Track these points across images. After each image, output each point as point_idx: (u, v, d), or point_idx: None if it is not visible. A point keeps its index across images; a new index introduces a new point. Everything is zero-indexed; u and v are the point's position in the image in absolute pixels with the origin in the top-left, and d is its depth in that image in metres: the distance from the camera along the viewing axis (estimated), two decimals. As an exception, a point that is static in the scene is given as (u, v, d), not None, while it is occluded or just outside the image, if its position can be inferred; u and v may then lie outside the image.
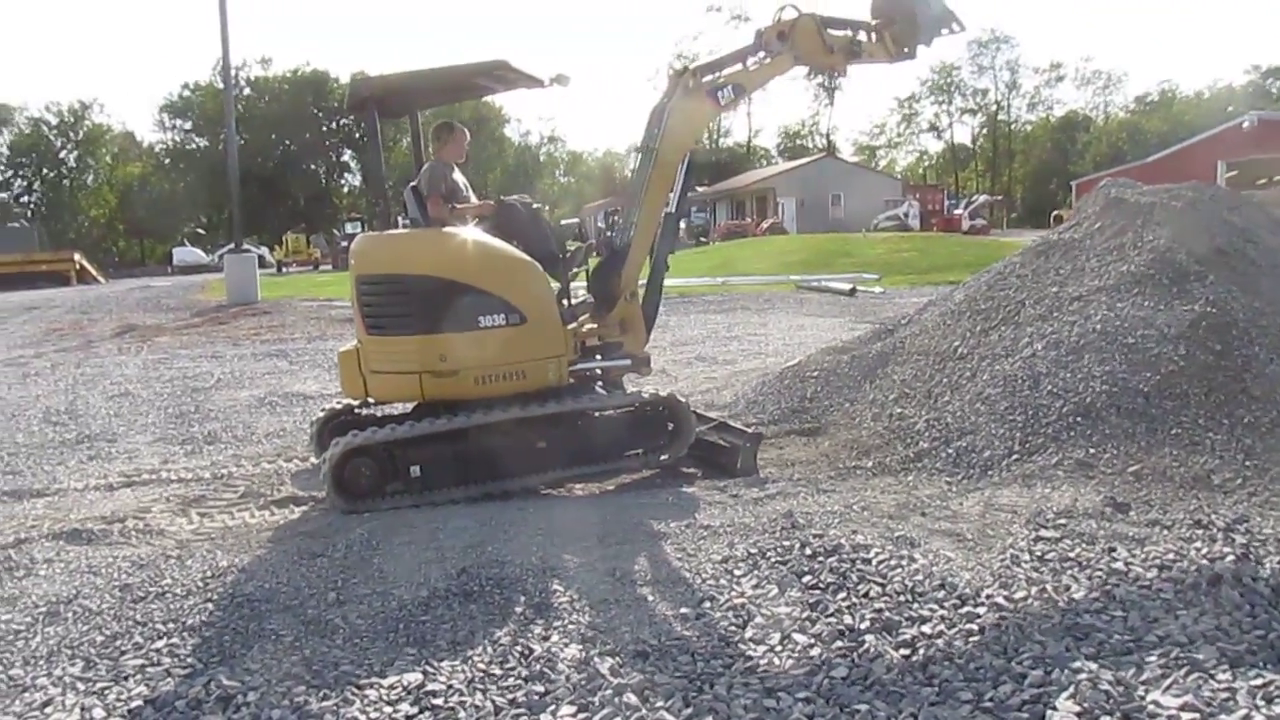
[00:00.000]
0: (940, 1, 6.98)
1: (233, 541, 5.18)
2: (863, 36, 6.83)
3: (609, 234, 6.83)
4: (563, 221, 7.35)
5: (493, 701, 3.20)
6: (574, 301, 6.50)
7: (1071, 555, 4.20)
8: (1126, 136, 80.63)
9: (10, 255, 41.19)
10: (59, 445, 7.96)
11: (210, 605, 4.14)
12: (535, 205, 6.65)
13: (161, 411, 9.37)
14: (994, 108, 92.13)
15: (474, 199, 6.64)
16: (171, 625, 3.93)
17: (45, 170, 77.90)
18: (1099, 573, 3.98)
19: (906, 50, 6.93)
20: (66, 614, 4.07)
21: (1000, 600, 3.74)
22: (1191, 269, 6.72)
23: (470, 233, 6.03)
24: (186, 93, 79.39)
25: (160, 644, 3.76)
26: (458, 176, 6.64)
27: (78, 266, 41.39)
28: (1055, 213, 40.67)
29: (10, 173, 77.48)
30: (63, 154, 78.84)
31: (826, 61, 6.77)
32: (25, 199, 78.71)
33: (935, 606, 3.76)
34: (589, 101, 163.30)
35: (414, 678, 3.36)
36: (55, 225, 69.94)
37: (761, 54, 6.57)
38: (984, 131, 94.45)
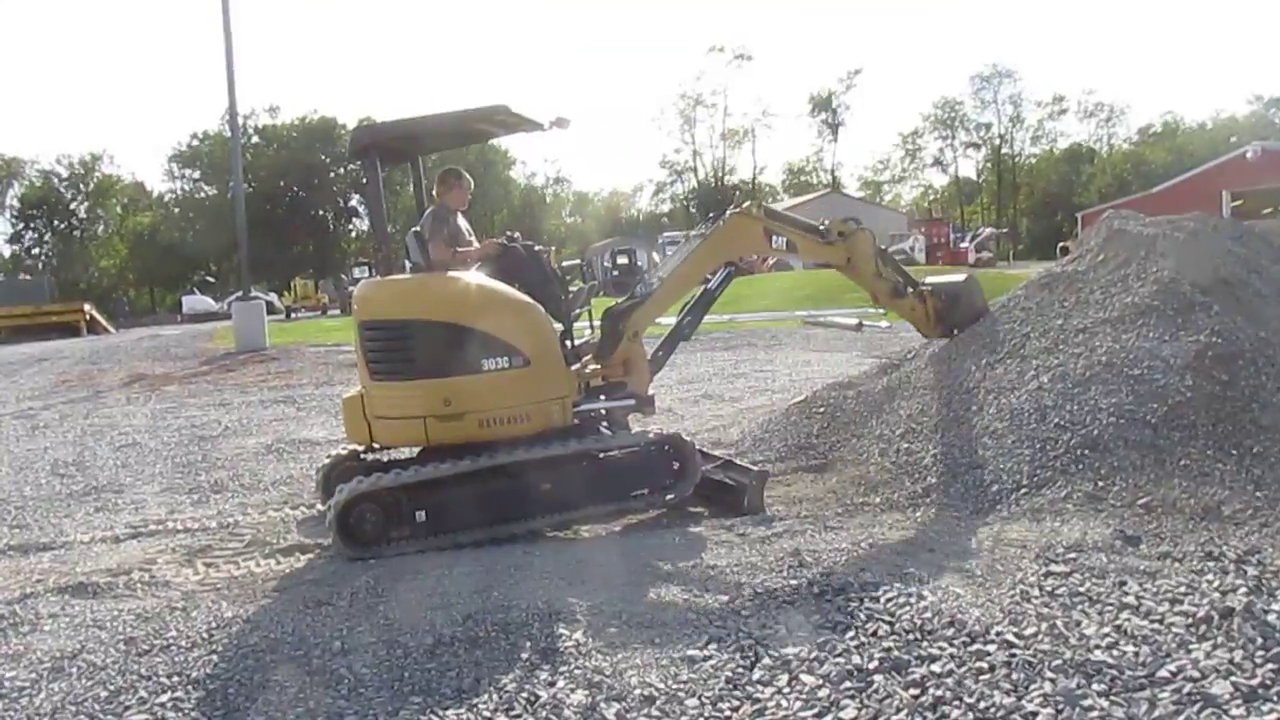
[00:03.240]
0: (984, 298, 7.89)
1: (238, 592, 5.16)
2: (909, 290, 7.53)
3: (614, 274, 6.98)
4: (564, 263, 7.42)
5: (497, 750, 3.16)
6: (577, 342, 6.52)
7: (1082, 590, 4.17)
8: (1131, 168, 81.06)
9: (22, 307, 41.45)
10: (66, 497, 7.96)
11: (215, 657, 4.11)
12: (537, 247, 6.69)
13: (169, 461, 9.38)
14: (998, 141, 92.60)
15: (476, 244, 6.68)
16: (176, 679, 3.91)
17: (56, 222, 78.78)
18: (1110, 607, 3.95)
19: (940, 328, 7.75)
20: (71, 669, 4.05)
21: (1010, 637, 3.71)
22: (1196, 299, 6.70)
23: (472, 276, 6.06)
24: (195, 142, 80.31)
25: (164, 698, 3.75)
26: (461, 222, 6.69)
27: (88, 317, 41.56)
28: (1061, 244, 40.75)
29: (22, 225, 78.33)
30: (73, 205, 79.78)
31: (872, 284, 7.39)
32: (37, 251, 79.53)
33: (945, 645, 3.73)
34: (594, 142, 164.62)
35: (418, 727, 3.32)
36: (66, 276, 70.52)
37: (821, 238, 7.14)
38: (988, 165, 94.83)
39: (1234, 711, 3.04)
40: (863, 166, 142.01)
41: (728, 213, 6.90)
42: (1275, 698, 3.11)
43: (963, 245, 57.83)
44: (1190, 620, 3.71)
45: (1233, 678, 3.23)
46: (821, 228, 7.15)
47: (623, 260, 46.67)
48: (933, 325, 7.78)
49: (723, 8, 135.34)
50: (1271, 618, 3.61)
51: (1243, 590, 3.91)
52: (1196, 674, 3.29)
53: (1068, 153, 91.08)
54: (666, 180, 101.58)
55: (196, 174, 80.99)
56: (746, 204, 7.00)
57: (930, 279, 7.95)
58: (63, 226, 79.00)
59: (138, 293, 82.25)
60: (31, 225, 78.90)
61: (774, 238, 6.88)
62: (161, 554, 6.05)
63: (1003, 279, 26.06)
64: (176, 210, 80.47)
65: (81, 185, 79.76)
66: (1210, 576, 4.18)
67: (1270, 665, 3.29)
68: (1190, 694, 3.16)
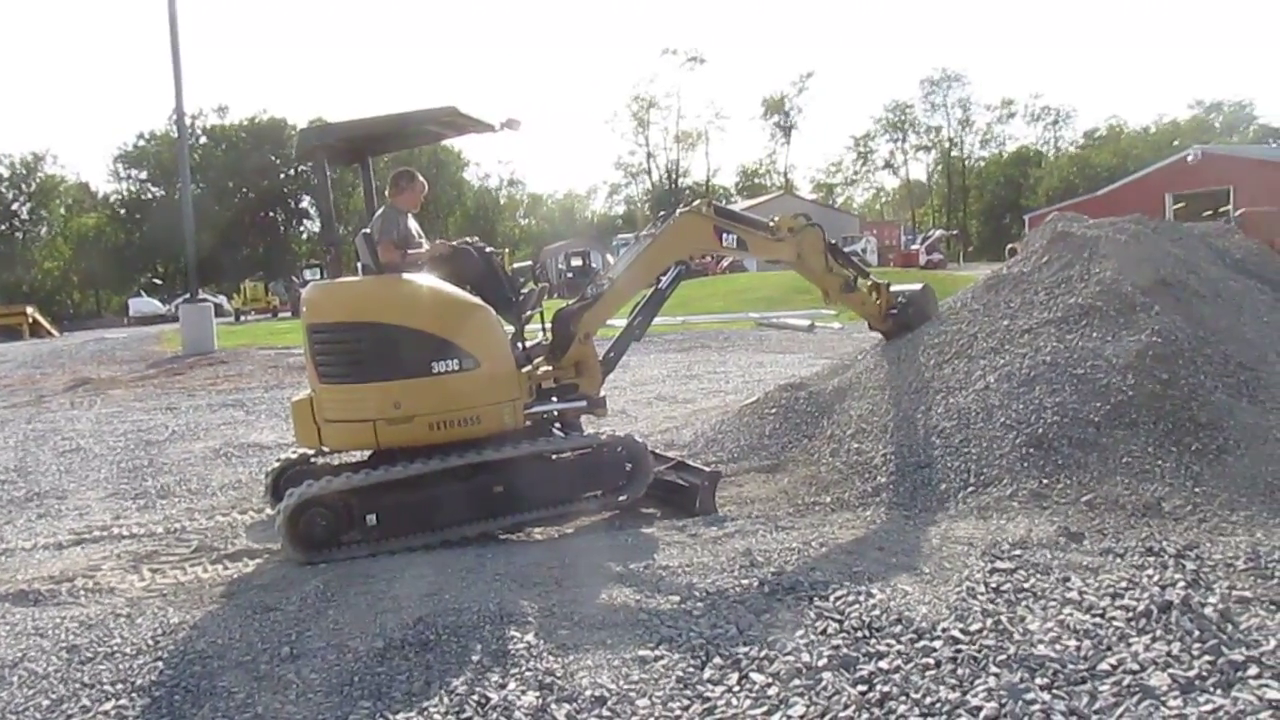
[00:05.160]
0: (937, 307, 8.00)
1: (185, 597, 5.09)
2: (861, 284, 7.63)
3: (569, 275, 7.00)
4: (516, 265, 7.40)
5: (447, 753, 3.15)
6: (529, 344, 6.50)
7: (1026, 586, 4.24)
8: (1077, 170, 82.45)
9: (-39, 311, 40.59)
10: (7, 504, 7.79)
11: (160, 664, 4.05)
12: (489, 249, 6.66)
13: (114, 466, 9.21)
14: (948, 144, 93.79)
15: (427, 246, 6.64)
16: (120, 686, 3.85)
17: (-3, 223, 76.92)
18: (1053, 603, 4.02)
19: (890, 322, 7.89)
20: (11, 678, 3.97)
21: (956, 633, 3.77)
22: (1137, 300, 6.84)
23: (421, 279, 6.01)
24: (142, 142, 79.00)
25: (108, 706, 3.69)
26: (411, 224, 6.64)
27: (30, 320, 40.80)
28: (1010, 246, 41.37)
29: (-39, 227, 76.40)
30: (15, 206, 77.87)
31: (823, 280, 7.44)
32: (-24, 253, 77.59)
33: (892, 641, 3.77)
34: (548, 144, 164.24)
35: (367, 732, 3.30)
36: (8, 278, 68.94)
37: (772, 235, 7.16)
38: (939, 168, 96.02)
39: (1171, 703, 3.11)
40: (815, 169, 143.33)
41: (677, 211, 6.92)
42: (1211, 689, 3.19)
43: (914, 247, 58.48)
44: (1130, 614, 3.78)
45: (1170, 670, 3.31)
46: (771, 224, 7.19)
47: (577, 262, 46.70)
48: (884, 318, 7.90)
49: (676, 10, 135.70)
50: (1208, 611, 3.70)
51: (1181, 584, 4.00)
52: (1136, 666, 3.36)
53: (1015, 156, 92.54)
54: (621, 182, 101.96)
55: (143, 175, 79.69)
56: (696, 202, 7.02)
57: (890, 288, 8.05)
58: (3, 228, 77.08)
59: (82, 295, 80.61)
60: (-29, 227, 77.03)
61: (724, 236, 6.90)
62: (106, 560, 5.95)
63: (953, 280, 26.41)
64: (123, 211, 79.08)
65: (23, 185, 77.90)
66: (1150, 571, 4.27)
67: (1206, 657, 3.37)
68: (1129, 686, 3.23)
